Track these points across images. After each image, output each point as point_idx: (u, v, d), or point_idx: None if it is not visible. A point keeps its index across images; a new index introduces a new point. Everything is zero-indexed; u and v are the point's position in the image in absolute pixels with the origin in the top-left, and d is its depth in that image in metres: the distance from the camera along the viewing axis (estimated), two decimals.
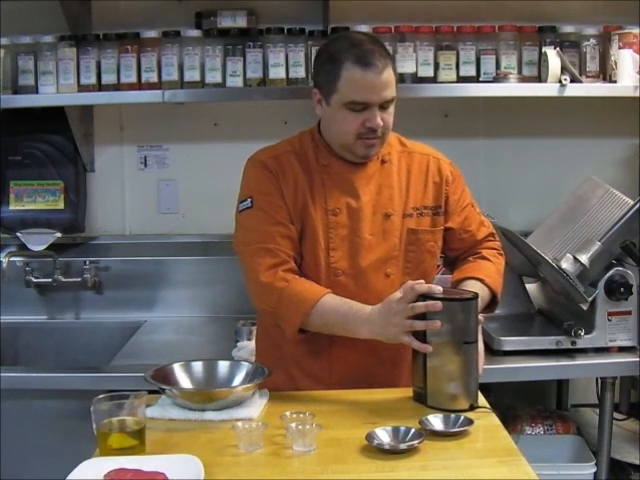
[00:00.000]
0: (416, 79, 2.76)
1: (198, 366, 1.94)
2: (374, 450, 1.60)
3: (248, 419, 1.74)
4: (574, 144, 3.11)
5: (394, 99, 1.96)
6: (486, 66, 2.78)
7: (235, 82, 2.75)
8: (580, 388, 3.05)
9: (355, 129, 1.94)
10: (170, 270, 3.05)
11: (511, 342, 2.48)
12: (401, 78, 2.71)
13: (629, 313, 2.49)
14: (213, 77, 2.75)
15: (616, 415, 2.64)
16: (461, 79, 2.77)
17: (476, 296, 1.85)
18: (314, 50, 2.70)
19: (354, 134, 1.95)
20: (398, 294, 1.81)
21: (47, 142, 3.00)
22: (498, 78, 2.75)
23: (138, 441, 1.58)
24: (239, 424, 1.66)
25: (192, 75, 2.74)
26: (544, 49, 2.76)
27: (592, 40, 2.80)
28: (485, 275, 2.08)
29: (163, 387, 1.82)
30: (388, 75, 1.93)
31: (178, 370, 1.92)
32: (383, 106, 1.94)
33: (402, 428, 1.66)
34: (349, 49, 1.93)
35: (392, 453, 1.59)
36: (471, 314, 1.81)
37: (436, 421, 1.71)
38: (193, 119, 3.06)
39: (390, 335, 1.83)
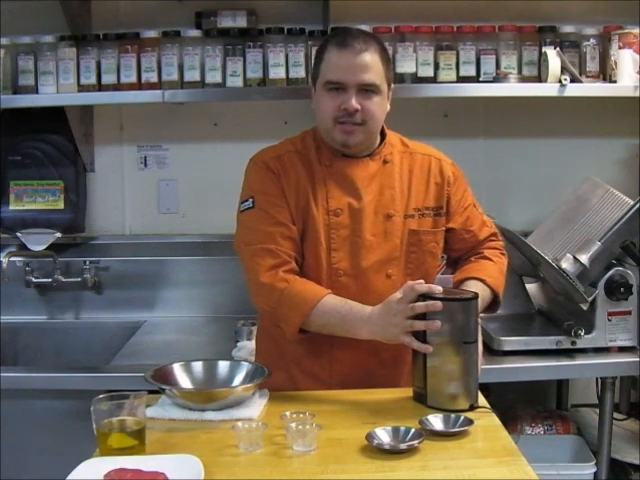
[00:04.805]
0: (416, 79, 2.75)
1: (198, 366, 1.94)
2: (374, 450, 1.60)
3: (248, 419, 1.74)
4: (574, 144, 3.11)
5: (377, 87, 1.95)
6: (486, 66, 2.78)
7: (235, 82, 2.75)
8: (580, 388, 3.05)
9: (332, 111, 1.95)
10: (170, 270, 3.05)
11: (511, 342, 2.48)
12: (401, 78, 2.72)
13: (629, 313, 2.49)
14: (213, 77, 2.75)
15: (616, 415, 2.64)
16: (461, 79, 2.77)
17: (476, 296, 1.85)
18: (314, 50, 2.69)
19: (332, 117, 1.96)
20: (398, 294, 1.82)
21: (47, 142, 3.00)
22: (498, 78, 2.75)
23: (138, 441, 1.58)
24: (239, 424, 1.66)
25: (192, 75, 2.74)
26: (544, 49, 2.76)
27: (592, 40, 2.80)
28: (487, 275, 2.08)
29: (163, 387, 1.82)
30: (369, 59, 1.93)
31: (178, 370, 1.92)
32: (364, 91, 1.94)
33: (402, 428, 1.66)
34: (335, 35, 2.01)
35: (392, 453, 1.59)
36: (471, 314, 1.81)
37: (436, 421, 1.71)
38: (193, 119, 3.06)
39: (390, 335, 1.83)
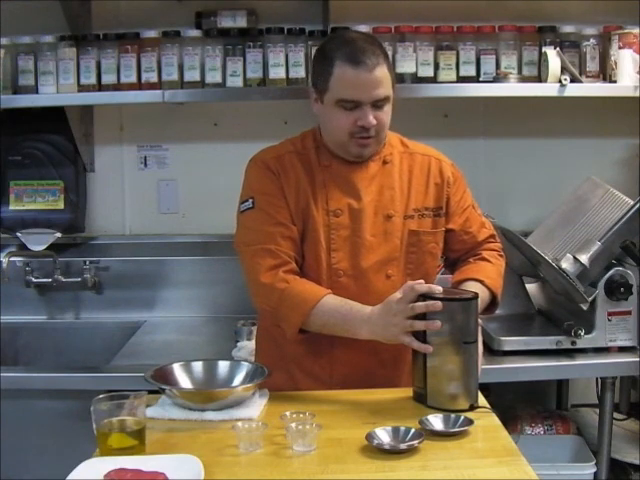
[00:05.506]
0: (416, 79, 2.75)
1: (198, 366, 1.94)
2: (374, 450, 1.60)
3: (248, 419, 1.74)
4: (574, 144, 3.11)
5: (388, 98, 1.95)
6: (486, 66, 2.77)
7: (235, 82, 2.75)
8: (580, 388, 3.05)
9: (348, 127, 1.94)
10: (170, 270, 3.05)
11: (511, 342, 2.48)
12: (401, 78, 2.71)
13: (629, 313, 2.49)
14: (213, 77, 2.75)
15: (616, 415, 2.64)
16: (461, 79, 2.77)
17: (476, 296, 1.85)
18: (314, 50, 2.69)
19: (347, 132, 1.95)
20: (398, 294, 1.81)
21: (47, 142, 3.00)
22: (498, 78, 2.75)
23: (138, 441, 1.58)
24: (239, 424, 1.66)
25: (192, 75, 2.74)
26: (544, 49, 2.76)
27: (592, 40, 2.80)
28: (485, 276, 2.07)
29: (163, 387, 1.82)
30: (380, 74, 1.92)
31: (178, 370, 1.92)
32: (376, 105, 1.93)
33: (402, 428, 1.66)
34: (341, 47, 1.95)
35: (392, 453, 1.59)
36: (471, 314, 1.81)
37: (436, 421, 1.71)
38: (193, 119, 3.06)
39: (390, 335, 1.83)
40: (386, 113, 1.97)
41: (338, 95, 1.93)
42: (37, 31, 2.80)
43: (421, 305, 1.78)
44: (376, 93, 1.92)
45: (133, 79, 2.74)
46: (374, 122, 1.93)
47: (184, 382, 1.90)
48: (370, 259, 2.00)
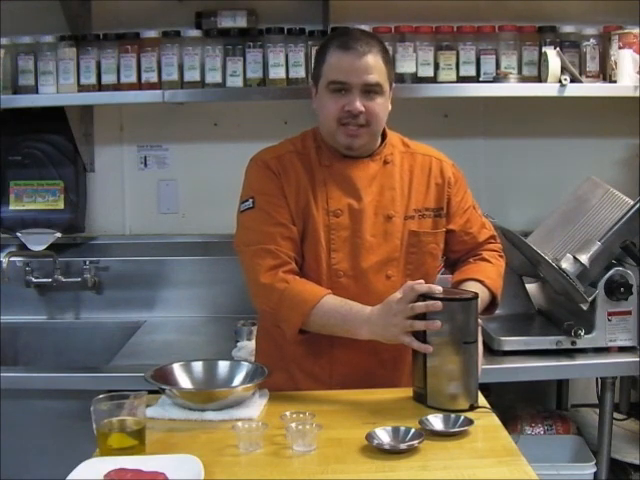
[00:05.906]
0: (416, 79, 2.75)
1: (198, 366, 1.94)
2: (374, 450, 1.60)
3: (248, 419, 1.74)
4: (574, 144, 3.11)
5: (380, 87, 1.95)
6: (486, 66, 2.78)
7: (235, 82, 2.75)
8: (580, 388, 3.05)
9: (336, 112, 1.95)
10: (170, 270, 3.05)
11: (511, 342, 2.48)
12: (401, 78, 2.71)
13: (629, 313, 2.49)
14: (213, 77, 2.75)
15: (616, 415, 2.64)
16: (461, 79, 2.77)
17: (476, 296, 1.85)
18: (314, 50, 2.70)
19: (335, 119, 1.95)
20: (398, 294, 1.81)
21: (47, 142, 3.01)
22: (498, 78, 2.75)
23: (138, 441, 1.58)
24: (239, 424, 1.66)
25: (192, 75, 2.74)
26: (544, 49, 2.76)
27: (592, 40, 2.80)
28: (485, 277, 2.07)
29: (163, 387, 1.82)
30: (372, 61, 1.94)
31: (178, 370, 1.92)
32: (367, 92, 1.94)
33: (402, 428, 1.66)
34: (336, 37, 2.01)
35: (392, 453, 1.59)
36: (471, 314, 1.81)
37: (436, 421, 1.71)
38: (193, 119, 3.06)
39: (390, 335, 1.83)
40: (378, 104, 1.96)
41: (328, 78, 1.96)
42: (37, 31, 2.81)
43: (421, 305, 1.78)
44: (365, 78, 1.93)
45: (133, 79, 2.74)
46: (361, 108, 1.93)
47: (184, 382, 1.90)
48: (370, 259, 2.00)
